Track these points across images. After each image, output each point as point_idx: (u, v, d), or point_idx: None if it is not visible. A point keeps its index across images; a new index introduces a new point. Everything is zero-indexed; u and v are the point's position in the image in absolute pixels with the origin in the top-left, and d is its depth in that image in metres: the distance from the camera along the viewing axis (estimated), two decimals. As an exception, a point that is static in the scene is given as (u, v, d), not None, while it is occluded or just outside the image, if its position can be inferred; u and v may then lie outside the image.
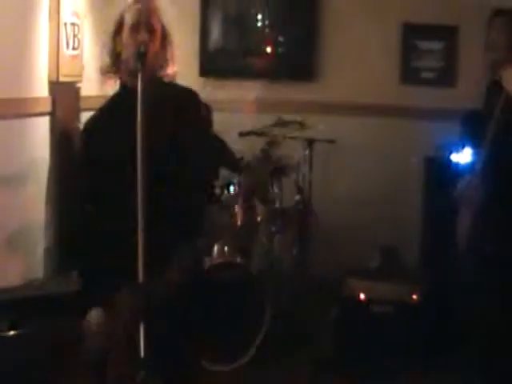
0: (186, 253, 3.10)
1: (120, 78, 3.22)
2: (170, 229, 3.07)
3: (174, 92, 3.25)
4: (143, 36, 3.09)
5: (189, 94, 3.30)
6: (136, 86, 2.97)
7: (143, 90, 2.95)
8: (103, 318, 3.06)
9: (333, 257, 5.97)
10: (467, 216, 4.45)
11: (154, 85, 3.11)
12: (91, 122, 3.28)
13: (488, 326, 4.37)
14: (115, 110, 3.24)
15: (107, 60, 3.20)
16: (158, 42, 3.14)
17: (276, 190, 5.69)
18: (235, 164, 5.68)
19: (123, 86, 3.23)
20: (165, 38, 3.19)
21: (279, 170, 5.66)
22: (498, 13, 4.53)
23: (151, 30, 3.13)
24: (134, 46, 3.07)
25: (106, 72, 3.22)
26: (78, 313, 3.27)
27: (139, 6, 3.16)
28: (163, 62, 3.19)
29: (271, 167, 5.60)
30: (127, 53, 3.12)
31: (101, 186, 3.15)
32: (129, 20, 3.14)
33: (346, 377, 5.08)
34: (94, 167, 3.19)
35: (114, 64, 3.19)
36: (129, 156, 2.97)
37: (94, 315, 3.08)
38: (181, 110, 3.20)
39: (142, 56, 3.02)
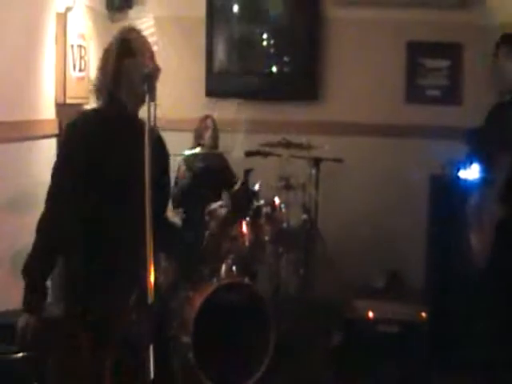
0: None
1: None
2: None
3: (156, 135, 3.28)
4: (151, 60, 3.15)
5: (163, 142, 3.48)
6: (135, 110, 3.04)
7: (150, 112, 2.95)
8: None
9: (338, 277, 5.96)
10: (482, 233, 4.45)
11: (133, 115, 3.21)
12: (74, 126, 3.32)
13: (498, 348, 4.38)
14: (104, 124, 3.27)
15: (99, 79, 3.25)
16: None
17: (283, 209, 5.70)
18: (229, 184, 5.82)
19: (122, 107, 3.27)
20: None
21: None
22: (506, 39, 4.55)
23: (153, 57, 3.20)
24: (142, 68, 3.11)
25: (97, 88, 3.27)
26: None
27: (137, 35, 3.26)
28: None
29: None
30: (132, 76, 3.18)
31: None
32: (135, 44, 3.19)
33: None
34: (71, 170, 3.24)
35: (116, 86, 3.23)
36: (114, 171, 3.04)
37: None
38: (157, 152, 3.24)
39: (150, 78, 3.03)
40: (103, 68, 3.31)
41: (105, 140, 3.21)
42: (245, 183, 5.71)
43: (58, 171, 3.32)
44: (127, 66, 3.22)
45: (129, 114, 3.17)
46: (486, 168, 5.36)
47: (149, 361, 2.80)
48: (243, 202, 5.54)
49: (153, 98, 2.97)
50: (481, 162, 5.68)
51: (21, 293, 4.69)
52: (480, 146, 5.08)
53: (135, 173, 2.87)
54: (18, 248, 4.86)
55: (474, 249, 4.53)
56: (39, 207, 5.13)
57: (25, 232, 4.93)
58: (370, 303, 5.40)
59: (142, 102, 3.10)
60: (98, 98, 3.32)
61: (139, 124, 3.16)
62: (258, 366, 5.00)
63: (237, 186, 5.72)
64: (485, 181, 4.81)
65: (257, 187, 5.64)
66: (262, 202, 5.67)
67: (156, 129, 3.22)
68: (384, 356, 5.20)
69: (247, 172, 5.76)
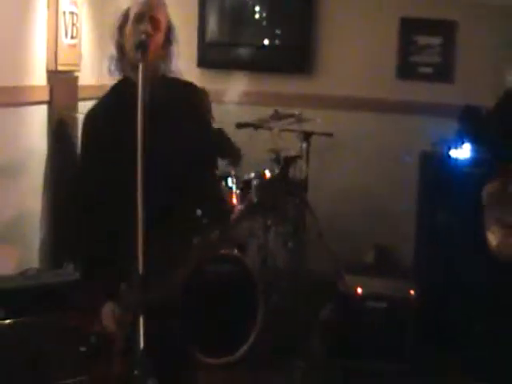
0: (188, 251, 3.10)
1: (123, 72, 3.20)
2: (170, 223, 3.07)
3: (177, 87, 3.20)
4: (146, 26, 3.05)
5: (191, 89, 3.28)
6: (137, 79, 2.94)
7: (144, 82, 2.91)
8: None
9: (327, 252, 5.96)
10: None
11: (155, 79, 3.08)
12: (92, 112, 3.24)
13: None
14: (116, 101, 3.20)
15: (114, 53, 3.17)
16: (161, 36, 3.09)
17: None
18: (235, 157, 5.70)
19: (125, 79, 3.20)
20: (169, 33, 3.14)
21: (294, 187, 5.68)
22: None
23: (155, 23, 3.08)
24: (135, 36, 3.02)
25: (112, 66, 3.20)
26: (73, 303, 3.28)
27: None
28: (166, 57, 3.16)
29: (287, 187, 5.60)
30: (129, 44, 3.09)
31: (100, 176, 3.14)
32: (133, 12, 3.11)
33: (341, 371, 5.12)
34: (93, 157, 3.17)
35: (120, 59, 3.16)
36: (129, 149, 2.96)
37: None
38: (183, 105, 3.16)
39: (142, 45, 2.96)
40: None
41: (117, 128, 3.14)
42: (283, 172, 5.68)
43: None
44: (125, 36, 3.16)
45: (137, 86, 3.03)
46: (480, 149, 5.40)
47: (139, 330, 2.80)
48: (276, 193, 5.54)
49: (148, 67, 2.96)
50: (473, 141, 5.71)
51: (12, 258, 4.71)
52: (475, 125, 5.09)
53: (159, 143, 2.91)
54: (7, 214, 4.85)
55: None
56: (28, 174, 5.15)
57: (13, 199, 4.93)
58: (358, 279, 5.40)
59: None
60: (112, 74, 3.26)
61: (163, 85, 3.10)
62: (246, 340, 5.02)
63: (269, 174, 5.67)
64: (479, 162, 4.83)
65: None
66: (251, 174, 5.66)
67: (179, 79, 3.19)
68: (372, 331, 5.20)
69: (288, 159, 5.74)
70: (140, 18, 3.07)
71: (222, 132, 5.79)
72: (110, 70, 3.19)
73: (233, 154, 5.76)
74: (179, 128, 3.13)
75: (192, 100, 3.26)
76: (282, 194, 5.63)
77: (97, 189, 3.15)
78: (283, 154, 5.74)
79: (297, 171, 5.82)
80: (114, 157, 3.08)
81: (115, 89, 3.24)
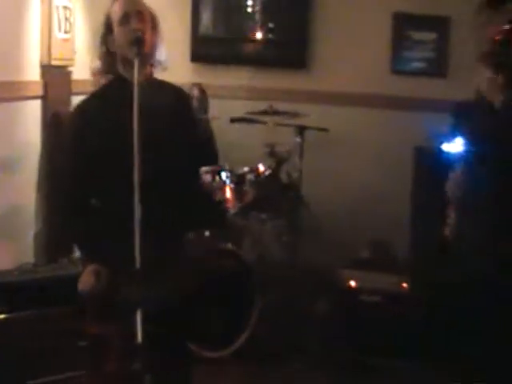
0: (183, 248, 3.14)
1: (113, 73, 3.21)
2: (165, 217, 3.09)
3: (168, 90, 3.27)
4: (137, 24, 3.09)
5: (181, 94, 3.36)
6: (131, 77, 2.98)
7: (139, 78, 2.95)
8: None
9: (322, 246, 5.98)
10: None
11: (147, 80, 3.12)
12: (82, 106, 3.27)
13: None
14: (108, 97, 3.22)
15: (98, 63, 3.20)
16: (149, 27, 3.14)
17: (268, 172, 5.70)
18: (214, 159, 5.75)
19: (118, 76, 3.21)
20: (154, 23, 3.20)
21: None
22: None
23: (142, 16, 3.13)
24: (128, 34, 3.07)
25: (96, 74, 3.22)
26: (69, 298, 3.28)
27: None
28: (155, 48, 3.19)
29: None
30: (121, 43, 3.11)
31: (88, 170, 3.15)
32: (117, 13, 3.13)
33: (336, 365, 5.13)
34: (81, 152, 3.18)
35: (107, 65, 3.18)
36: (119, 144, 2.98)
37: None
38: (173, 108, 3.22)
39: (139, 42, 3.03)
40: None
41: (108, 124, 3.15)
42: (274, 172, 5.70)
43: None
44: (111, 43, 3.17)
45: (130, 85, 3.01)
46: (473, 143, 5.38)
47: (137, 325, 2.80)
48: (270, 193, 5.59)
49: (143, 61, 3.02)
50: (466, 136, 5.70)
51: (7, 253, 4.70)
52: (468, 120, 5.08)
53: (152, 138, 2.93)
54: (1, 208, 4.84)
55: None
56: (22, 168, 5.14)
57: (7, 194, 4.92)
58: (353, 273, 5.43)
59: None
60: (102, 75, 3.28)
61: (154, 88, 3.16)
62: (241, 334, 5.03)
63: (263, 169, 5.68)
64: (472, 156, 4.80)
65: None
66: (245, 169, 5.68)
67: (170, 83, 3.27)
68: (366, 325, 5.22)
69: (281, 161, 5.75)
70: (127, 17, 3.11)
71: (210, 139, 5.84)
72: (99, 70, 3.23)
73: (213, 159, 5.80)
74: (166, 131, 3.17)
75: (179, 103, 3.31)
76: (277, 189, 5.66)
77: (81, 184, 3.18)
78: (277, 149, 5.75)
79: (291, 166, 5.82)
80: (102, 151, 3.11)
81: (106, 86, 3.27)
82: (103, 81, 3.26)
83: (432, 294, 5.36)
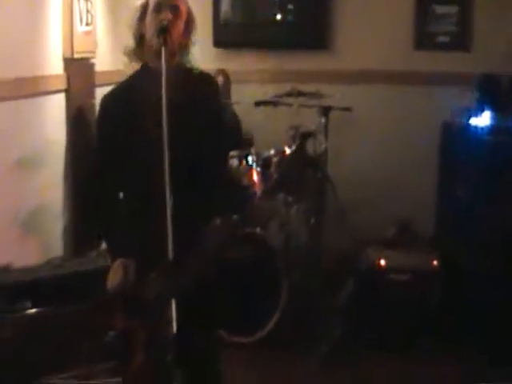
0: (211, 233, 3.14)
1: (143, 60, 3.23)
2: (193, 204, 3.10)
3: (195, 76, 3.25)
4: (166, 14, 3.10)
5: (208, 80, 3.35)
6: (158, 67, 2.97)
7: (166, 67, 2.94)
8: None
9: (348, 226, 5.96)
10: None
11: (174, 68, 3.11)
12: (109, 97, 3.29)
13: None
14: (135, 88, 3.24)
15: (132, 43, 3.21)
16: (182, 24, 3.14)
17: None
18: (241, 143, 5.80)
19: (145, 66, 3.23)
20: (189, 21, 3.20)
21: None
22: None
23: (175, 11, 3.13)
24: (157, 24, 3.08)
25: (130, 54, 3.23)
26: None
27: None
28: (186, 47, 3.20)
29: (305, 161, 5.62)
30: (150, 32, 3.13)
31: (116, 161, 3.18)
32: (153, 2, 3.14)
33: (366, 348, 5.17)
34: (108, 143, 3.21)
35: (139, 47, 3.20)
36: (147, 133, 3.00)
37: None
38: (201, 94, 3.21)
39: (163, 31, 3.03)
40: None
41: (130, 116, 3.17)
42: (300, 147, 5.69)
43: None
44: (146, 23, 3.19)
45: (156, 73, 2.99)
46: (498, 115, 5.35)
47: (170, 317, 2.79)
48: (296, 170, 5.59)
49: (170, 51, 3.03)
50: (492, 109, 5.67)
51: (30, 250, 4.75)
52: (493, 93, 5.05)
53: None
54: (29, 204, 4.89)
55: None
56: (49, 163, 5.19)
57: (35, 189, 4.97)
58: (382, 251, 5.42)
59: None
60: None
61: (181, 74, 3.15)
62: (269, 318, 5.06)
63: (289, 151, 5.70)
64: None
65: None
66: (272, 152, 5.69)
67: (197, 69, 3.24)
68: (395, 305, 5.22)
69: (305, 135, 5.75)
70: (160, 6, 3.12)
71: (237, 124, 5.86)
72: (127, 60, 3.24)
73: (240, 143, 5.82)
74: (194, 118, 3.17)
75: (207, 90, 3.29)
76: (302, 168, 5.65)
77: (108, 176, 3.21)
78: (302, 130, 5.75)
79: (316, 146, 5.81)
80: (129, 141, 3.13)
81: (134, 76, 3.28)
82: (133, 65, 3.27)
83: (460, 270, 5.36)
